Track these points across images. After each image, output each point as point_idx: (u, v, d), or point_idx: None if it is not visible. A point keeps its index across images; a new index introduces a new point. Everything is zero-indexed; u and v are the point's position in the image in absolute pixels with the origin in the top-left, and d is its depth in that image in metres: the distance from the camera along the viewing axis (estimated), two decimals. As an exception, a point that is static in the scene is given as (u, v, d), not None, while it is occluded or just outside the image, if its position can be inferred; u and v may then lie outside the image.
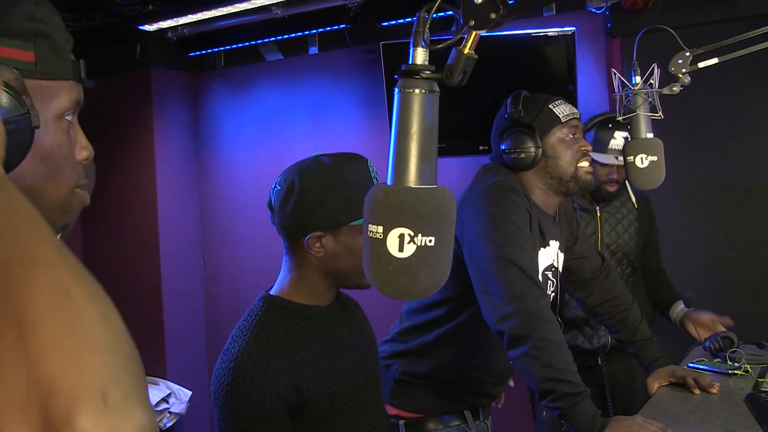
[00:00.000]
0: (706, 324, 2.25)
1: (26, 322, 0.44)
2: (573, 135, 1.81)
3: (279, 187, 1.32)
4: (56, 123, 0.76)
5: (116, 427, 0.43)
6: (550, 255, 1.84)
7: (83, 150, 0.82)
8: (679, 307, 2.38)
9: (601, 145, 2.35)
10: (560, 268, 1.91)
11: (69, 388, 0.43)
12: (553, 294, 1.89)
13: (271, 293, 1.36)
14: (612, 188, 2.38)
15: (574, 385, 1.51)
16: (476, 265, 1.66)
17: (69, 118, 0.78)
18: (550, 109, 1.80)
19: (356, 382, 1.36)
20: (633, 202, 2.48)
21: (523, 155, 1.77)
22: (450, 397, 1.86)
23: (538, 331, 1.53)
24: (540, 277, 1.80)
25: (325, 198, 1.27)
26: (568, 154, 1.79)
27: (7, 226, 0.49)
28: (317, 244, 1.28)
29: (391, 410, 1.86)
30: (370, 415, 1.38)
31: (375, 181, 1.32)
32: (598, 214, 2.43)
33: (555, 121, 1.79)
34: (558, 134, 1.79)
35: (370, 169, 1.34)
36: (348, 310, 1.44)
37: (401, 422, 1.85)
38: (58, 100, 0.76)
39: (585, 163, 1.81)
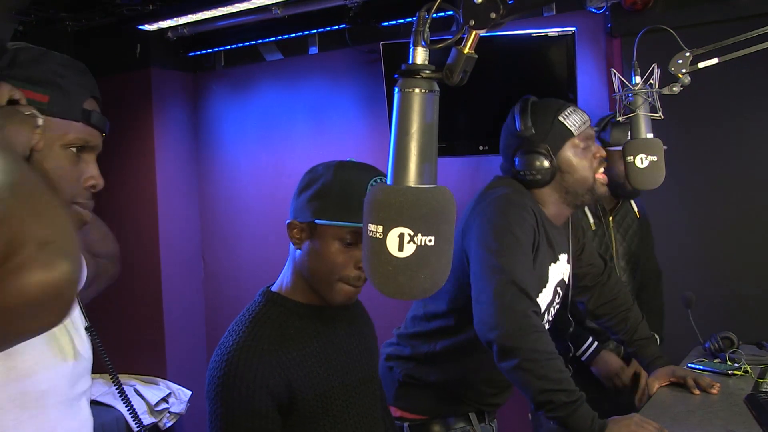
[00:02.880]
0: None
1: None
2: (585, 146, 1.77)
3: None
4: (60, 150, 1.02)
5: (44, 265, 0.63)
6: (560, 270, 1.83)
7: (90, 179, 1.07)
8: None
9: (623, 138, 2.20)
10: (567, 281, 1.90)
11: (15, 239, 0.62)
12: (558, 307, 1.88)
13: (271, 289, 1.37)
14: None
15: (570, 393, 1.50)
16: (474, 274, 1.65)
17: (75, 150, 1.03)
18: (560, 122, 1.74)
19: (350, 383, 1.36)
20: (635, 212, 2.44)
21: (539, 176, 1.73)
22: (454, 400, 1.86)
23: (528, 341, 1.52)
24: (551, 293, 1.79)
25: (306, 190, 1.31)
26: (585, 165, 1.75)
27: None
28: (296, 234, 1.31)
29: (395, 412, 1.85)
30: (364, 416, 1.37)
31: None
32: (611, 225, 2.37)
33: (567, 134, 1.74)
34: (571, 148, 1.75)
35: (373, 181, 1.31)
36: (348, 310, 1.43)
37: (406, 424, 1.84)
38: (64, 134, 1.02)
39: (600, 173, 1.78)
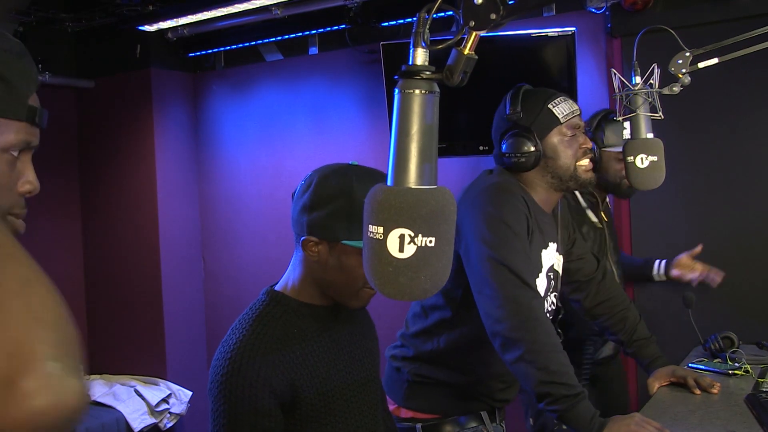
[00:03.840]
0: (686, 264, 2.48)
1: None
2: (572, 134, 1.79)
3: (303, 181, 1.33)
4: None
5: (55, 390, 0.53)
6: (550, 257, 1.84)
7: (26, 184, 0.89)
8: (656, 264, 2.55)
9: (617, 138, 2.28)
10: (560, 271, 1.90)
11: (21, 355, 0.52)
12: (555, 294, 1.88)
13: (275, 288, 1.36)
14: None
15: (570, 387, 1.50)
16: (471, 266, 1.66)
17: (15, 153, 0.86)
18: (549, 109, 1.77)
19: (352, 383, 1.36)
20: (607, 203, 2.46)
21: (522, 159, 1.75)
22: (465, 397, 1.86)
23: (532, 333, 1.53)
24: (545, 279, 1.80)
25: (326, 208, 1.26)
26: (569, 154, 1.77)
27: None
28: (312, 248, 1.29)
29: (406, 413, 1.84)
30: (365, 416, 1.38)
31: None
32: (606, 231, 2.37)
33: (554, 122, 1.77)
34: (557, 135, 1.77)
35: None
36: (350, 310, 1.43)
37: (418, 425, 1.83)
38: (5, 135, 0.84)
39: (585, 161, 1.78)
